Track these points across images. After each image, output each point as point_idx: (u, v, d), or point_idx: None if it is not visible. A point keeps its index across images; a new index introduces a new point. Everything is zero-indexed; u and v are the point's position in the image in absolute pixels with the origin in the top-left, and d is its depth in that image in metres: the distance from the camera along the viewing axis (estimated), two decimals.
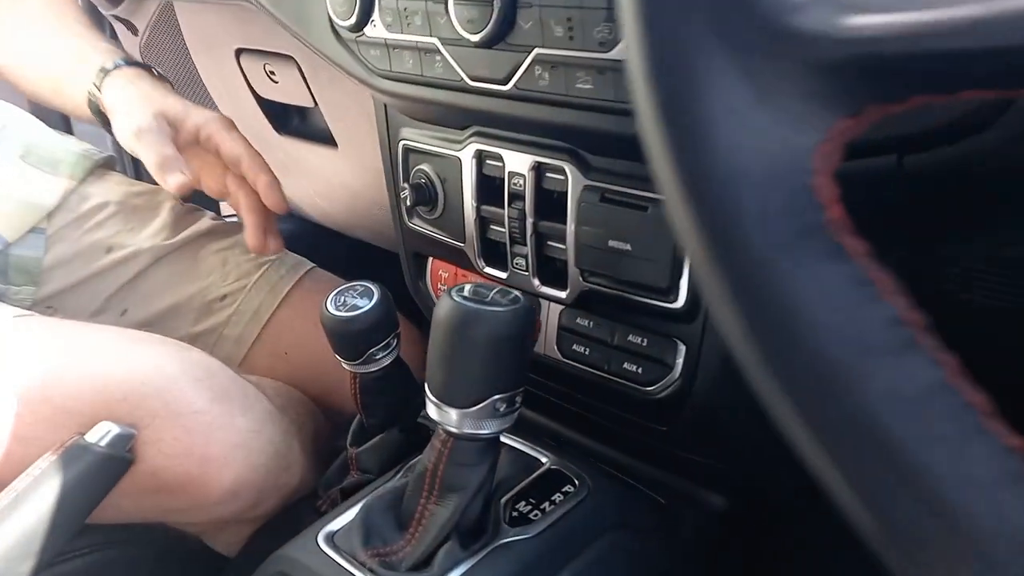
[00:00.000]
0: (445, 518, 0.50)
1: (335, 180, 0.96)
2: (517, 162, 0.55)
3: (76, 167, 0.88)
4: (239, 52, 0.89)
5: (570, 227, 0.53)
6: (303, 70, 0.82)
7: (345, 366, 0.62)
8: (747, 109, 0.19)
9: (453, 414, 0.48)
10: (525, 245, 0.57)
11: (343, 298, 0.60)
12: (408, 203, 0.62)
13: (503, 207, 0.57)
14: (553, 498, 0.55)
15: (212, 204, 1.32)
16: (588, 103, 0.46)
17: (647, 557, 0.55)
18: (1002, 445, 0.17)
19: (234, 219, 0.92)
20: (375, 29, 0.56)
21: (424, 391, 0.49)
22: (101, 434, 0.56)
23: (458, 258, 0.64)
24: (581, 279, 0.55)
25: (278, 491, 0.67)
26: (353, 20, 0.56)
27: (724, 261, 0.20)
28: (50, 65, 0.83)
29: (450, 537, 0.50)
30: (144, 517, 0.64)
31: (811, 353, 0.19)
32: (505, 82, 0.50)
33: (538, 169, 0.54)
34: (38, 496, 0.53)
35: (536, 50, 0.47)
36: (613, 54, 0.43)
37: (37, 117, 0.91)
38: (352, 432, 0.67)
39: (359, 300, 0.60)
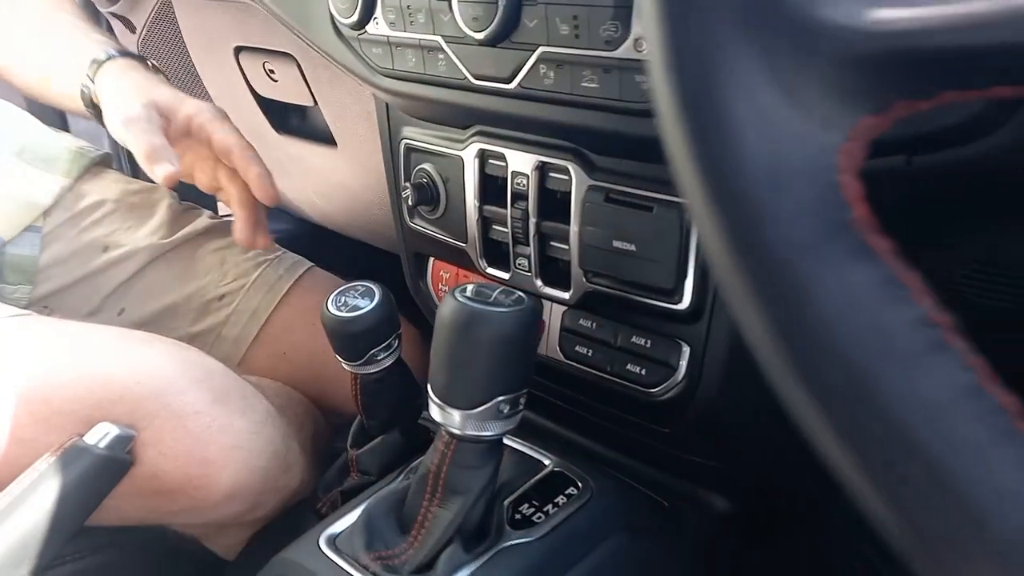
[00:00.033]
0: (448, 521, 0.49)
1: (334, 180, 0.95)
2: (520, 162, 0.55)
3: (72, 165, 0.87)
4: (238, 50, 0.88)
5: (574, 227, 0.53)
6: (303, 69, 0.82)
7: (346, 367, 0.61)
8: (771, 105, 0.19)
9: (456, 416, 0.48)
10: (528, 245, 0.57)
11: (344, 298, 0.60)
12: (410, 203, 0.62)
13: (506, 207, 0.57)
14: (556, 500, 0.54)
15: (210, 203, 1.31)
16: (593, 102, 0.46)
17: (650, 560, 0.55)
18: None
19: (231, 218, 0.91)
20: (377, 27, 0.56)
21: (425, 392, 0.49)
22: (100, 435, 0.55)
23: (460, 258, 0.63)
24: (584, 280, 0.54)
25: (278, 493, 0.67)
26: (355, 18, 0.56)
27: (747, 261, 0.19)
28: (44, 59, 0.82)
29: (453, 540, 0.49)
30: (142, 519, 0.64)
31: (838, 356, 0.18)
32: (509, 81, 0.49)
33: (542, 169, 0.54)
34: (36, 498, 0.52)
35: (541, 48, 0.47)
36: (619, 53, 0.43)
37: (33, 115, 0.90)
38: (352, 433, 0.67)
39: (360, 300, 0.59)
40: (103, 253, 0.85)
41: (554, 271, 0.57)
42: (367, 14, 0.56)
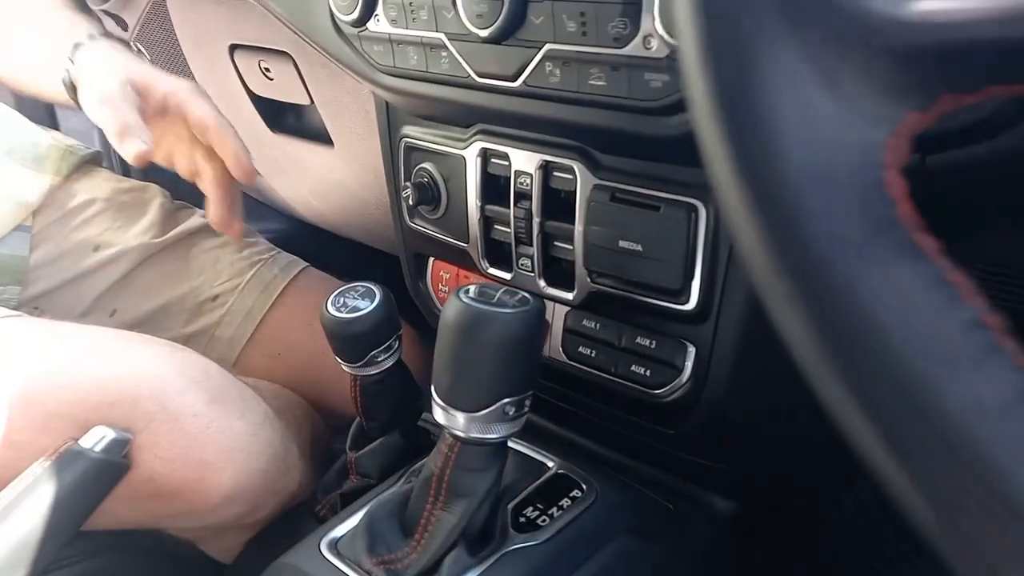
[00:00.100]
0: (452, 524, 0.49)
1: (330, 179, 0.94)
2: (524, 161, 0.54)
3: (62, 163, 0.86)
4: (233, 48, 0.87)
5: (578, 227, 0.52)
6: (299, 67, 0.81)
7: (345, 368, 0.60)
8: (814, 100, 0.18)
9: (460, 418, 0.47)
10: (531, 245, 0.56)
11: (344, 299, 0.59)
12: (410, 202, 0.61)
13: (508, 207, 0.56)
14: (561, 503, 0.54)
15: (202, 202, 1.30)
16: (601, 100, 0.45)
17: (655, 562, 0.54)
18: None
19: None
20: (379, 24, 0.55)
21: (425, 394, 0.48)
22: (96, 439, 0.55)
23: (461, 259, 0.63)
24: (589, 280, 0.54)
25: (276, 495, 0.66)
26: (356, 15, 0.55)
27: (790, 262, 0.19)
28: (26, 50, 0.80)
29: (457, 544, 0.49)
30: (140, 523, 0.63)
31: (887, 360, 0.18)
32: (514, 79, 0.49)
33: (545, 168, 0.53)
34: (32, 503, 0.51)
35: (547, 46, 0.46)
36: (628, 50, 0.42)
37: (21, 112, 0.89)
38: (351, 435, 0.66)
39: (360, 301, 0.58)
40: (94, 253, 0.83)
41: (557, 271, 0.56)
42: (368, 11, 0.55)
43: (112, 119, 0.66)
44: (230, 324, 0.85)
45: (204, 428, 0.59)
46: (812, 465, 0.63)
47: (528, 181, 0.54)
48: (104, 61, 0.71)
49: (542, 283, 0.57)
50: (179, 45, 0.97)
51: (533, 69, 0.47)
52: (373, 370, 0.60)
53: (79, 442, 0.55)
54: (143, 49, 0.82)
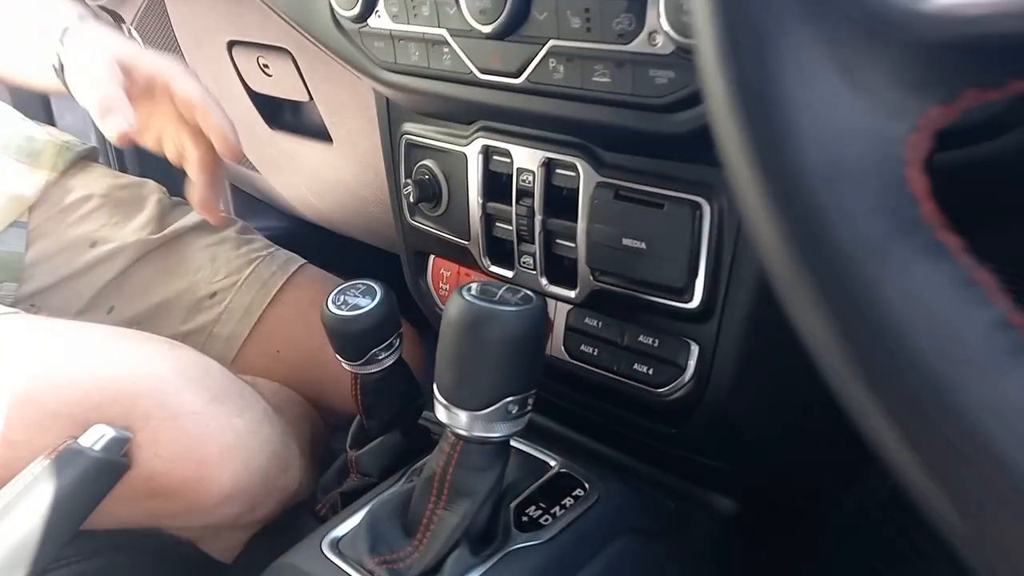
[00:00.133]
0: (454, 524, 0.48)
1: (329, 176, 0.94)
2: (526, 158, 0.54)
3: (58, 159, 0.85)
4: (231, 44, 0.87)
5: (581, 225, 0.52)
6: (298, 63, 0.80)
7: (346, 366, 0.60)
8: (835, 95, 0.18)
9: (463, 417, 0.47)
10: (533, 243, 0.56)
11: (344, 297, 0.58)
12: (411, 200, 0.61)
13: (510, 204, 0.56)
14: (563, 502, 0.54)
15: None
16: (605, 97, 0.45)
17: (658, 562, 0.54)
18: None
19: (221, 213, 0.89)
20: (380, 20, 0.55)
21: (425, 392, 0.48)
22: (95, 438, 0.54)
23: (462, 256, 0.62)
24: (591, 278, 0.53)
25: (276, 494, 0.65)
26: (357, 10, 0.55)
27: (811, 262, 0.18)
28: (17, 39, 0.79)
29: (459, 543, 0.48)
30: (139, 522, 0.62)
31: (912, 361, 0.17)
32: (517, 75, 0.48)
33: (548, 165, 0.53)
34: (31, 502, 0.51)
35: (551, 42, 0.46)
36: (633, 47, 0.42)
37: (16, 109, 0.88)
38: (352, 434, 0.65)
39: (361, 299, 0.58)
40: (91, 249, 0.83)
41: (559, 269, 0.56)
42: (369, 7, 0.54)
43: (95, 97, 0.64)
44: (228, 321, 0.84)
45: (204, 426, 0.59)
46: (813, 464, 0.63)
47: (530, 178, 0.54)
48: (91, 41, 0.70)
49: (544, 281, 0.57)
50: (176, 41, 0.96)
51: (536, 66, 0.47)
52: (374, 368, 0.60)
53: (78, 441, 0.54)
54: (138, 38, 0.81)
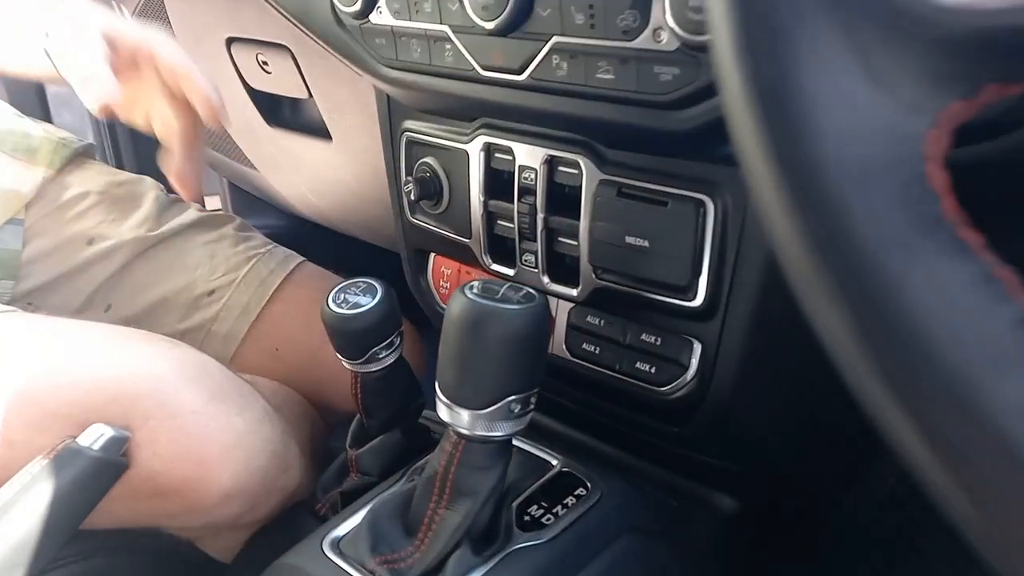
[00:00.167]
0: (456, 523, 0.48)
1: (328, 174, 0.94)
2: (528, 155, 0.54)
3: (54, 155, 0.85)
4: (230, 41, 0.86)
5: (583, 223, 0.52)
6: (298, 60, 0.80)
7: (346, 365, 0.60)
8: (855, 88, 0.17)
9: (465, 415, 0.46)
10: (535, 241, 0.55)
11: (344, 295, 0.58)
12: (412, 197, 0.60)
13: (512, 202, 0.56)
14: (565, 501, 0.53)
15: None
16: (608, 94, 0.45)
17: (660, 561, 0.54)
18: None
19: (220, 211, 0.89)
20: (381, 16, 0.54)
21: (426, 391, 0.47)
22: (94, 437, 0.54)
23: (462, 254, 0.62)
24: (594, 276, 0.53)
25: (276, 493, 0.65)
26: (358, 7, 0.54)
27: (830, 259, 0.18)
28: (9, 31, 0.77)
29: (461, 543, 0.48)
30: (138, 522, 0.62)
31: (933, 360, 0.17)
32: (520, 72, 0.48)
33: (550, 163, 0.53)
34: (29, 502, 0.50)
35: (554, 38, 0.45)
36: (637, 43, 0.42)
37: (13, 106, 0.88)
38: (351, 433, 0.65)
39: (361, 297, 0.58)
40: (88, 246, 0.82)
41: (561, 267, 0.55)
42: (370, 3, 0.54)
43: (77, 67, 0.63)
44: (226, 319, 0.84)
45: (203, 426, 0.58)
46: (815, 463, 0.63)
47: (532, 176, 0.54)
48: (75, 14, 0.69)
49: (546, 279, 0.56)
50: (175, 38, 0.95)
51: (540, 62, 0.47)
52: (374, 367, 0.59)
53: (77, 440, 0.54)
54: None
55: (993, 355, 0.17)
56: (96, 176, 0.87)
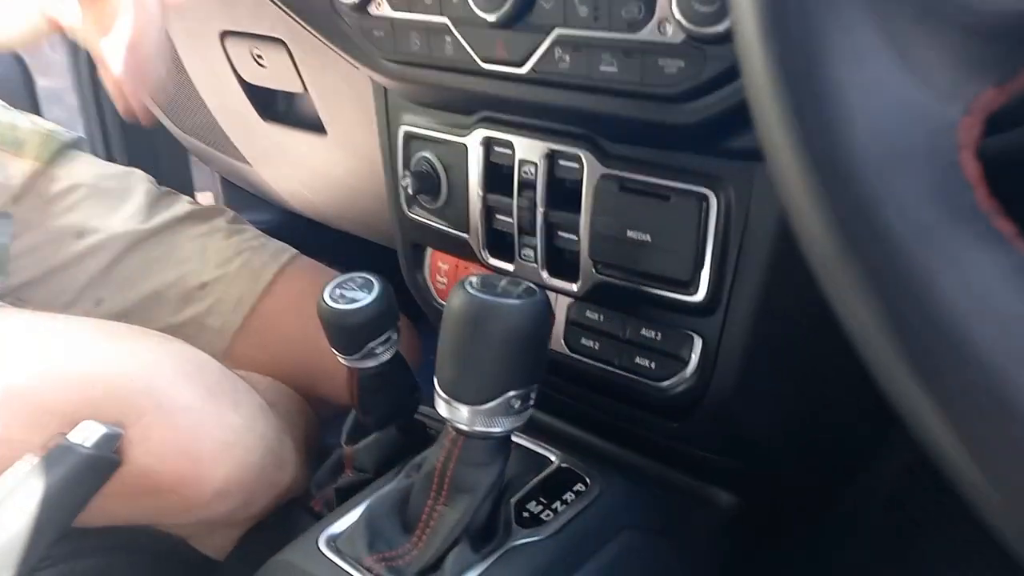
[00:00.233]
0: (455, 520, 0.48)
1: (323, 169, 0.93)
2: (528, 149, 0.53)
3: (43, 148, 0.84)
4: (224, 35, 0.85)
5: (584, 217, 0.51)
6: (293, 53, 0.79)
7: (342, 361, 0.59)
8: (887, 74, 0.17)
9: (464, 411, 0.46)
10: (534, 236, 0.55)
11: (341, 290, 0.57)
12: (410, 191, 0.60)
13: (511, 196, 0.55)
14: (564, 497, 0.53)
15: (188, 189, 1.28)
16: (612, 87, 0.44)
17: (660, 558, 0.54)
18: None
19: (211, 204, 0.88)
20: (379, 8, 0.53)
21: (422, 386, 0.47)
22: (86, 434, 0.53)
23: (460, 249, 0.62)
24: (594, 271, 0.53)
25: (271, 490, 0.64)
26: None
27: (862, 252, 0.17)
28: None
29: (460, 540, 0.48)
30: (131, 520, 0.61)
31: (968, 354, 0.17)
32: (521, 64, 0.48)
33: (551, 157, 0.52)
34: (20, 500, 0.50)
35: (557, 30, 0.45)
36: (642, 35, 0.41)
37: (1, 98, 0.87)
38: (347, 429, 0.64)
39: (358, 292, 0.57)
40: (78, 240, 0.81)
41: (561, 262, 0.55)
42: None
43: None
44: (219, 313, 0.83)
45: (198, 422, 0.58)
46: (816, 460, 0.63)
47: (532, 170, 0.53)
48: None
49: (545, 274, 0.56)
50: (167, 32, 0.94)
51: (542, 55, 0.46)
52: (371, 363, 0.59)
53: (68, 437, 0.53)
54: None
55: None
56: (85, 168, 0.86)
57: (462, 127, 0.57)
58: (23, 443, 0.54)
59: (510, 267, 0.58)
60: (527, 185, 0.54)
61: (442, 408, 0.47)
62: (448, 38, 0.50)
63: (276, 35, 0.78)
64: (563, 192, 0.53)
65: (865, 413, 0.59)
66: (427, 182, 0.60)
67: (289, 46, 0.79)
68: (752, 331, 0.48)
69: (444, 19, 0.50)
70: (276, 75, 0.84)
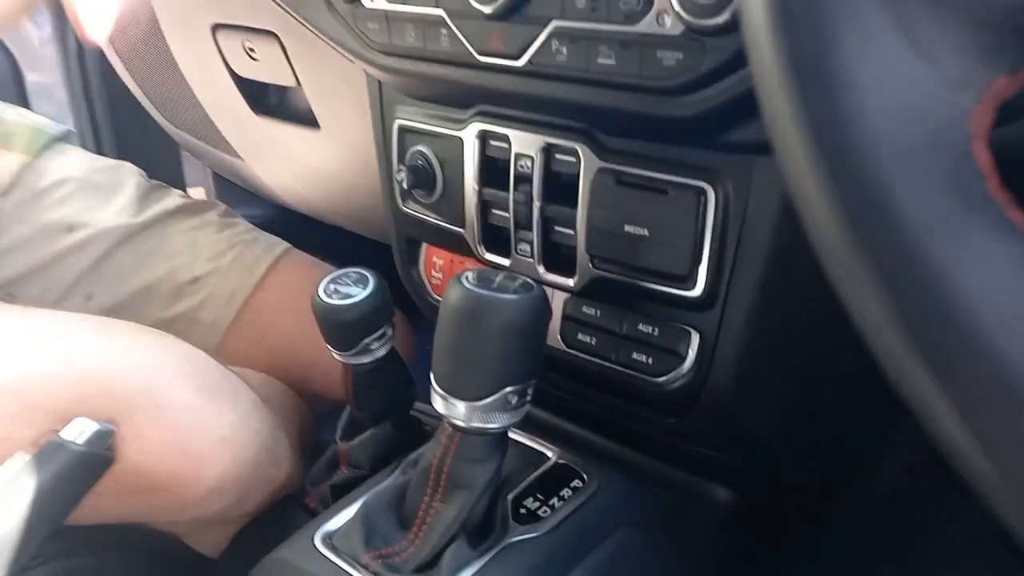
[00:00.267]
0: (452, 517, 0.47)
1: (316, 163, 0.92)
2: (525, 143, 0.53)
3: (32, 141, 0.83)
4: (216, 28, 0.84)
5: (581, 211, 0.51)
6: (285, 47, 0.78)
7: (337, 357, 0.58)
8: (898, 62, 0.17)
9: (461, 407, 0.45)
10: (530, 230, 0.54)
11: (335, 286, 0.57)
12: (405, 185, 0.59)
13: (508, 190, 0.55)
14: (561, 494, 0.53)
15: (179, 184, 1.27)
16: (609, 80, 0.44)
17: (658, 554, 0.53)
18: None
19: (202, 198, 0.87)
20: (374, 0, 0.53)
21: (417, 382, 0.46)
22: (78, 431, 0.52)
23: (456, 244, 0.61)
24: (591, 266, 0.52)
25: (266, 486, 0.64)
26: None
27: (872, 244, 0.17)
28: None
29: (457, 537, 0.47)
30: (124, 517, 0.60)
31: (982, 347, 0.16)
32: (518, 57, 0.47)
33: (548, 150, 0.52)
34: (11, 498, 0.49)
35: (554, 22, 0.44)
36: (640, 27, 0.41)
37: None
38: (342, 425, 0.64)
39: (353, 288, 0.57)
40: (68, 234, 0.81)
41: (557, 257, 0.55)
42: None
43: None
44: (212, 307, 0.82)
45: (191, 419, 0.57)
46: (815, 457, 0.63)
47: (529, 164, 0.53)
48: None
49: (541, 269, 0.55)
50: (159, 25, 0.93)
51: (539, 47, 0.46)
52: (366, 359, 0.58)
53: (60, 434, 0.52)
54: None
55: None
56: (75, 162, 0.86)
57: (457, 121, 0.56)
58: (14, 440, 0.53)
59: (506, 262, 0.57)
60: (523, 179, 0.53)
61: (439, 404, 0.46)
62: (443, 30, 0.50)
63: (269, 28, 0.78)
64: (560, 186, 0.52)
65: (865, 411, 0.60)
66: (422, 176, 0.59)
67: (282, 39, 0.78)
68: (750, 326, 0.48)
69: (439, 11, 0.49)
70: (268, 68, 0.83)
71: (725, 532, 0.57)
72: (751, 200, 0.45)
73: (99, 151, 1.19)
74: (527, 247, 0.55)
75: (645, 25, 0.41)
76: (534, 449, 0.57)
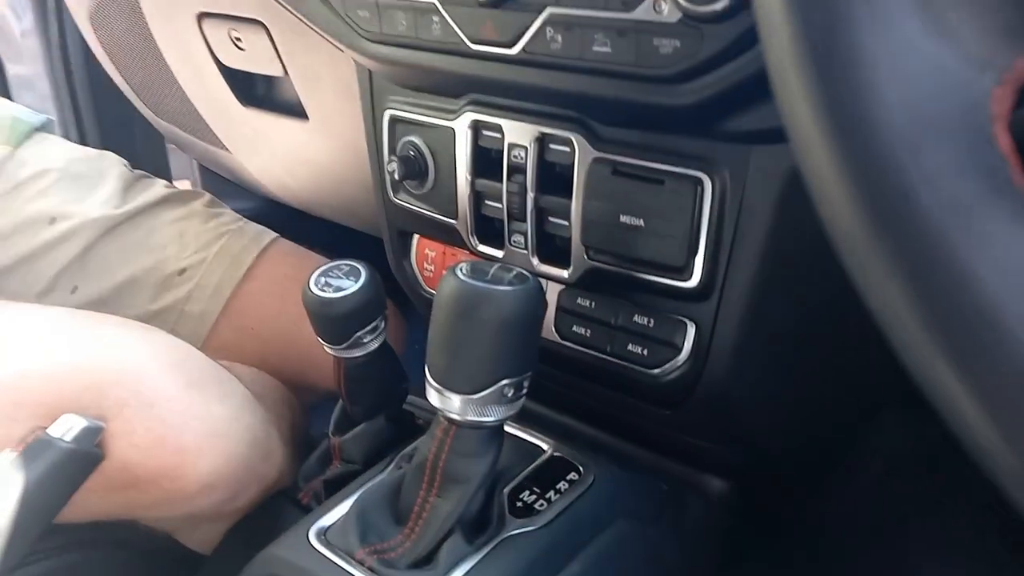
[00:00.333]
0: (448, 511, 0.47)
1: (305, 155, 0.91)
2: (518, 133, 0.52)
3: (12, 132, 0.81)
4: (201, 16, 0.83)
5: (576, 202, 0.50)
6: (273, 36, 0.77)
7: (329, 351, 0.58)
8: (916, 39, 0.16)
9: (456, 401, 0.45)
10: (524, 221, 0.54)
11: (327, 278, 0.56)
12: (396, 177, 0.58)
13: (501, 181, 0.54)
14: (558, 487, 0.52)
15: (165, 176, 1.25)
16: (605, 68, 0.43)
17: (655, 546, 0.53)
18: None
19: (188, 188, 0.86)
20: None
21: (411, 376, 0.46)
22: (66, 428, 0.51)
23: (448, 236, 0.60)
24: (586, 257, 0.52)
25: (258, 482, 0.63)
26: None
27: (892, 230, 0.17)
28: None
29: (453, 531, 0.47)
30: (114, 514, 0.59)
31: (1006, 336, 0.16)
32: (511, 45, 0.46)
33: (542, 140, 0.51)
34: None
35: (548, 9, 0.44)
36: (636, 14, 0.40)
37: None
38: (334, 420, 0.63)
39: (344, 280, 0.56)
40: (50, 226, 0.79)
41: (552, 248, 0.54)
42: None
43: None
44: (199, 299, 0.81)
45: (182, 414, 0.56)
46: (810, 448, 0.63)
47: (522, 154, 0.52)
48: None
49: (535, 260, 0.55)
50: (143, 14, 0.92)
51: (533, 35, 0.45)
52: (358, 352, 0.58)
53: (48, 431, 0.51)
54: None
55: None
56: (56, 152, 0.84)
57: (449, 110, 0.56)
58: (0, 438, 0.52)
59: (499, 254, 0.57)
60: (517, 170, 0.53)
61: (433, 398, 0.46)
62: (435, 18, 0.49)
63: (256, 17, 0.76)
64: (554, 177, 0.52)
65: (862, 403, 0.60)
66: (413, 167, 0.58)
67: (269, 28, 0.77)
68: (746, 317, 0.48)
69: None
70: (255, 58, 0.82)
71: (721, 522, 0.57)
72: (748, 190, 0.44)
73: (82, 139, 1.17)
74: (521, 238, 0.55)
75: (642, 12, 0.40)
76: (530, 442, 0.56)
